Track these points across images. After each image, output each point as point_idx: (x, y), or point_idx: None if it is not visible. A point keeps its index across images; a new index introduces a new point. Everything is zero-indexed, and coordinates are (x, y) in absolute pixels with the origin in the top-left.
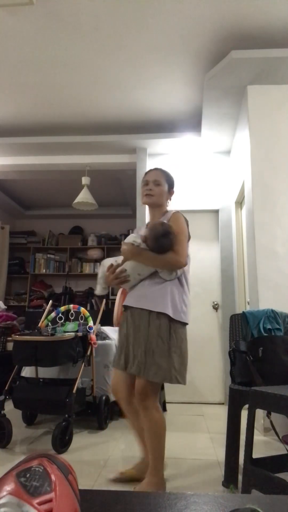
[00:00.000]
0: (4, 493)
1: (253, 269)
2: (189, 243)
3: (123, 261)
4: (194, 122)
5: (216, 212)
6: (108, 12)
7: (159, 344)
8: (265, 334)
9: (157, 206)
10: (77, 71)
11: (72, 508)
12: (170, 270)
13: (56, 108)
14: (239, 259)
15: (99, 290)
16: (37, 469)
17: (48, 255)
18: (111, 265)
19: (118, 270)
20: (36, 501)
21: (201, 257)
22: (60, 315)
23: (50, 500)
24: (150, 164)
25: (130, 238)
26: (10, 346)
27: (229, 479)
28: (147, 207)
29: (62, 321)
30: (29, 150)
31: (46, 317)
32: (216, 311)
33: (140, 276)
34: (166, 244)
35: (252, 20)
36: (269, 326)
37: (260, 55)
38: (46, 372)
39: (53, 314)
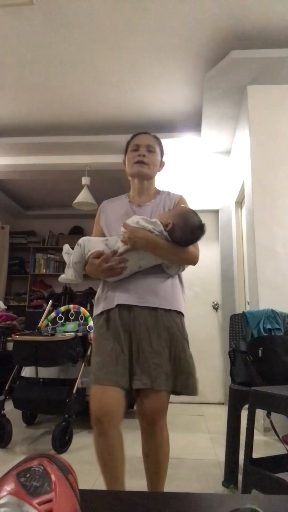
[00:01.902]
0: (4, 493)
1: (253, 269)
2: None
3: (128, 250)
4: (194, 122)
5: (216, 212)
6: (108, 12)
7: (186, 348)
8: (265, 334)
9: (148, 179)
10: (77, 71)
11: (72, 508)
12: (185, 265)
13: (56, 108)
14: (239, 259)
15: (70, 275)
16: (37, 469)
17: (48, 255)
18: (103, 251)
19: (116, 259)
20: (36, 501)
21: (201, 257)
22: (60, 315)
23: (50, 500)
24: None
25: (136, 221)
26: (10, 346)
27: (229, 479)
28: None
29: (62, 321)
30: (29, 150)
31: (46, 317)
32: (216, 311)
33: (139, 269)
34: (199, 237)
35: (252, 20)
36: (269, 326)
37: (260, 55)
38: (46, 372)
39: (53, 314)
